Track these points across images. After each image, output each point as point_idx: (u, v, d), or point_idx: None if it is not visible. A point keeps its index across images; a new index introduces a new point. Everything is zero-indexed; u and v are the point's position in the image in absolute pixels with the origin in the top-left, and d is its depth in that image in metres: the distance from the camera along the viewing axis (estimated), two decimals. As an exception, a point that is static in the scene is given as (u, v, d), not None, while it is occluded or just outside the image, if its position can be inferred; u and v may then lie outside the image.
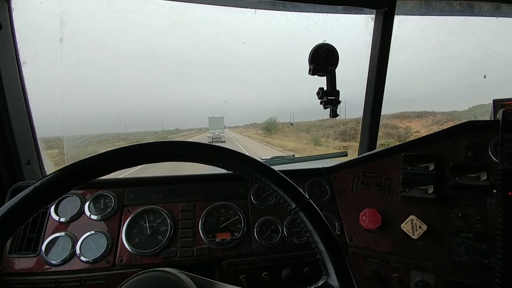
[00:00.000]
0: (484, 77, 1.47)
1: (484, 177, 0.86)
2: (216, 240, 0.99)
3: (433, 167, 0.94)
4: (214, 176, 1.13)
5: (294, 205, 0.50)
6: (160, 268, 0.52)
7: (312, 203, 0.50)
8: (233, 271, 0.96)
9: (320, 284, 0.45)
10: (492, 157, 0.87)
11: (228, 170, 0.54)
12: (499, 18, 1.44)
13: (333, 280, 0.44)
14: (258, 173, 0.52)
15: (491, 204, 0.83)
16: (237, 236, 1.01)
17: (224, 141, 15.36)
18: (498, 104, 1.04)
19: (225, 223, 1.03)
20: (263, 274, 0.97)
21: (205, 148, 0.53)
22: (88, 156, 0.48)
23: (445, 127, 0.98)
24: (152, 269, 0.51)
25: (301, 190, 0.51)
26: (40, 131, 1.12)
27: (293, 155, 1.48)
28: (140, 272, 0.50)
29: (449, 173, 0.91)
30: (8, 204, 0.42)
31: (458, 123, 0.95)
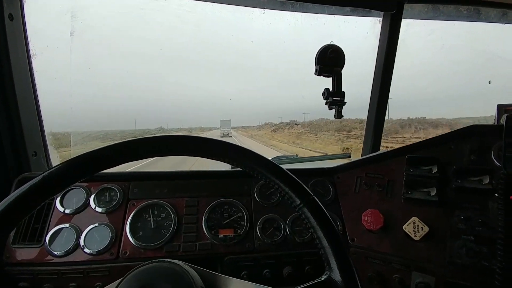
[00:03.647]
0: (489, 83, 1.48)
1: (487, 181, 0.86)
2: (219, 236, 0.99)
3: (436, 169, 0.94)
4: (218, 172, 1.14)
5: (298, 201, 0.50)
6: (166, 259, 0.52)
7: (317, 199, 0.51)
8: (235, 267, 0.97)
9: (323, 278, 0.46)
10: (495, 161, 0.87)
11: (235, 166, 0.55)
12: (506, 24, 1.44)
13: (336, 275, 0.45)
14: (265, 169, 0.52)
15: (493, 207, 0.84)
16: (240, 232, 1.01)
17: (231, 136, 20.65)
18: (502, 109, 1.05)
19: (228, 220, 1.03)
20: (264, 271, 0.98)
21: (213, 143, 0.54)
22: (96, 148, 0.49)
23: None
24: (157, 260, 0.51)
25: (306, 188, 0.52)
26: (48, 124, 1.13)
27: (297, 155, 1.48)
28: (146, 262, 0.50)
29: (452, 176, 0.92)
30: (16, 193, 0.42)
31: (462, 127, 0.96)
